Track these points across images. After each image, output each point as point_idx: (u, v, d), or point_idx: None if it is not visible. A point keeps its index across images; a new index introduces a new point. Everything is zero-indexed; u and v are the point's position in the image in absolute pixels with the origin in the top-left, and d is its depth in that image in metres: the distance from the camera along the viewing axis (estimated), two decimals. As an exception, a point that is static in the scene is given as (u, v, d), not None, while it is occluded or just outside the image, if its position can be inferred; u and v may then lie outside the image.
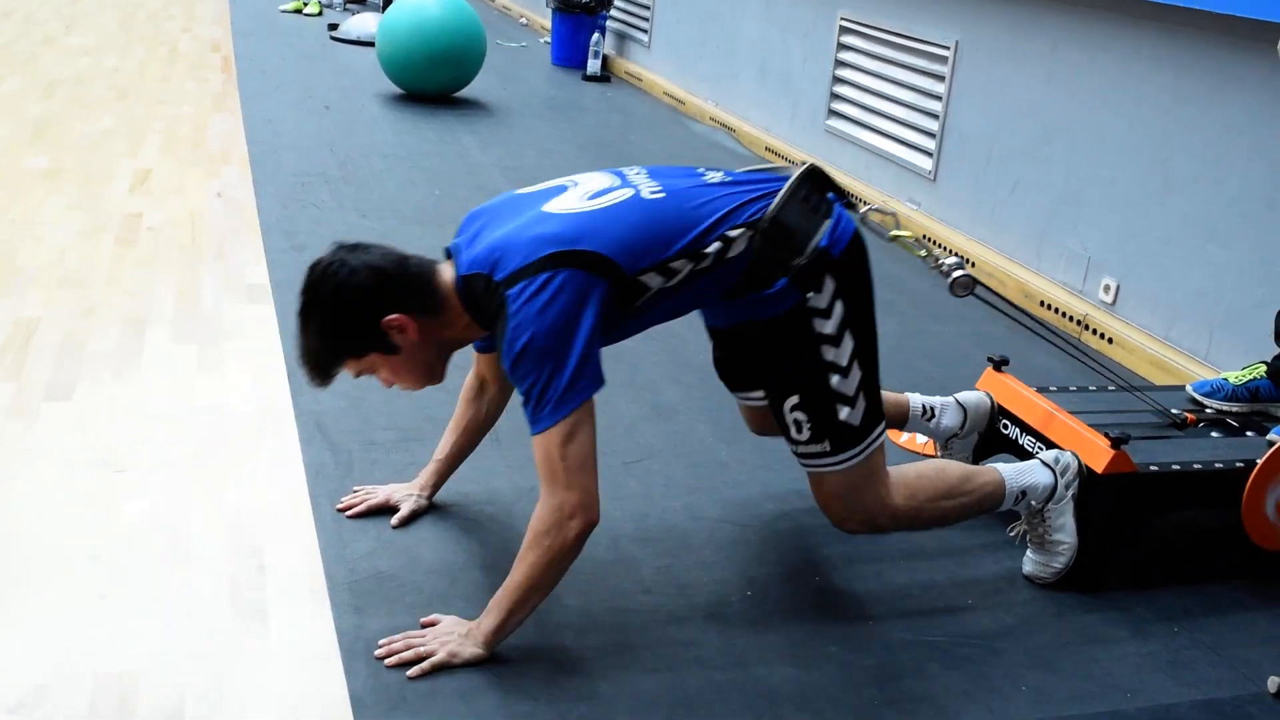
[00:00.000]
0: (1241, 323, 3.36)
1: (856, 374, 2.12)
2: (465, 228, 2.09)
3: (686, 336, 3.40)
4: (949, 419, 2.63)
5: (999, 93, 4.41)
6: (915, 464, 2.31)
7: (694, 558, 2.38)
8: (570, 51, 7.85)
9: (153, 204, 4.10)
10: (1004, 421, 2.63)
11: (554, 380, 1.89)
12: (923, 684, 2.06)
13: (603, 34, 7.69)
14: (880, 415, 2.18)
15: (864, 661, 2.10)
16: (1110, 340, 3.76)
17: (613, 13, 7.98)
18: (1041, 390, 2.66)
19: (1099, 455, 2.36)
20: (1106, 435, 2.37)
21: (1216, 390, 2.74)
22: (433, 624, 2.04)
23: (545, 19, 9.09)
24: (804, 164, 2.14)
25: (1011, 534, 2.47)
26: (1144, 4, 3.66)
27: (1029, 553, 2.42)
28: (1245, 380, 2.71)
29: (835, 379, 2.11)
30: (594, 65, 7.58)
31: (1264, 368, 2.73)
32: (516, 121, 6.12)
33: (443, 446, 2.44)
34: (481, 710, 1.88)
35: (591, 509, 1.94)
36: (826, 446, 2.15)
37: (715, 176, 2.12)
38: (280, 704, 1.84)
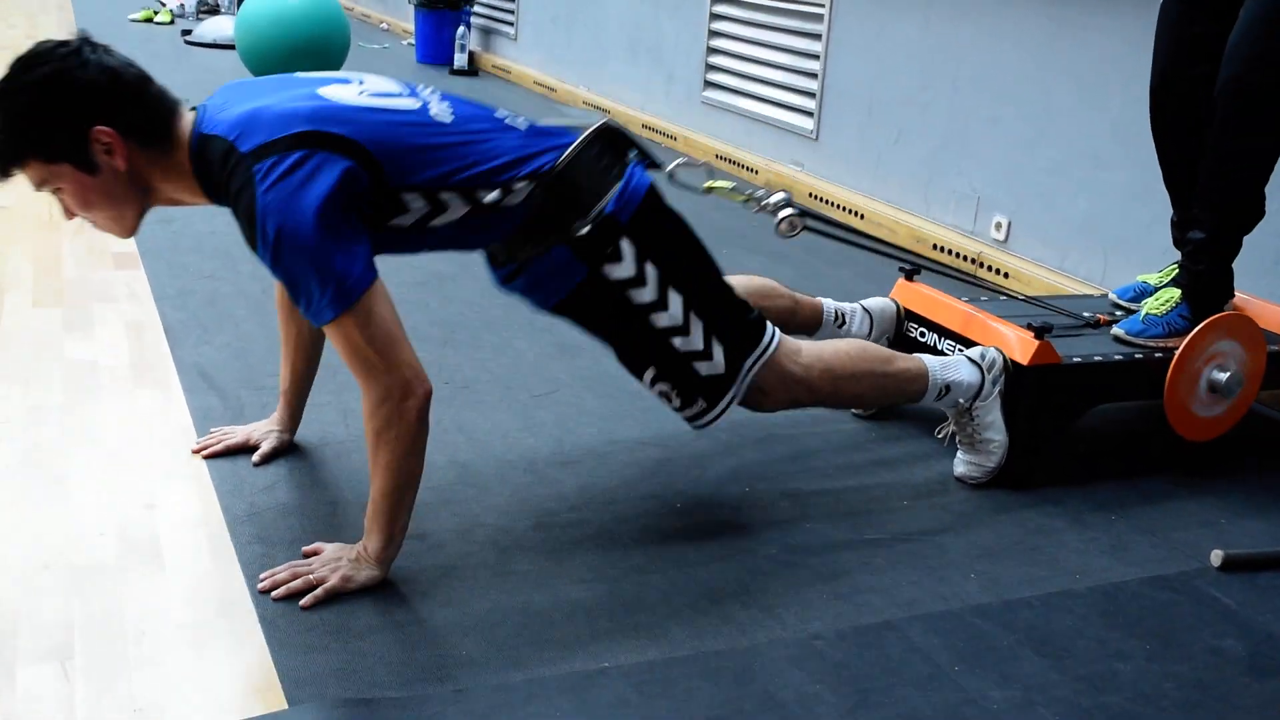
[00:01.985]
0: (1134, 243, 3.37)
1: (698, 325, 1.97)
2: (221, 92, 1.86)
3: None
4: (857, 326, 2.57)
5: (877, 44, 4.40)
6: (835, 341, 2.23)
7: (618, 477, 2.25)
8: (435, 48, 7.69)
9: (3, 187, 3.82)
10: (920, 329, 2.57)
11: (329, 267, 1.68)
12: (871, 577, 1.97)
13: (468, 28, 7.55)
14: (752, 337, 2.03)
15: (808, 561, 2.00)
16: (1006, 275, 3.75)
17: (476, 8, 7.85)
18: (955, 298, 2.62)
19: (1023, 347, 2.31)
20: (1029, 326, 2.33)
21: (1142, 293, 2.72)
22: (316, 553, 1.85)
23: (407, 22, 8.91)
24: (601, 120, 1.97)
25: (940, 436, 2.41)
26: (1019, -63, 3.68)
27: (960, 454, 2.35)
28: (1167, 280, 2.68)
29: (678, 341, 1.97)
30: (460, 59, 7.43)
31: (1178, 268, 2.71)
32: (386, 110, 5.93)
33: (283, 377, 2.23)
34: (403, 621, 1.73)
35: (420, 378, 1.74)
36: (703, 404, 2.03)
37: (513, 121, 1.94)
38: (182, 629, 1.67)
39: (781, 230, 2.11)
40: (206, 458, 2.16)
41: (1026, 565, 2.05)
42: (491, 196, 1.84)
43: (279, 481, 2.11)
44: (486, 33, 7.90)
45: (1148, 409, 2.75)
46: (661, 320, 1.95)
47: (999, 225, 3.85)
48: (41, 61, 1.72)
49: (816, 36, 4.70)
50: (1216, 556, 2.11)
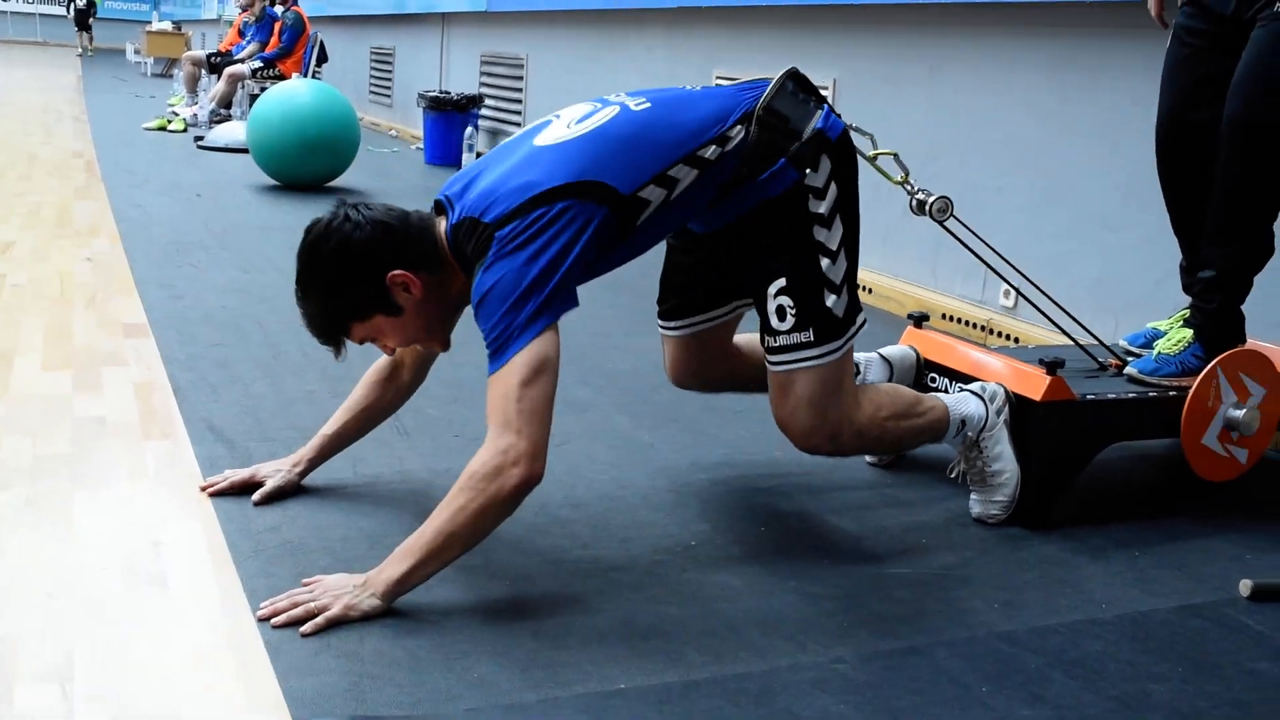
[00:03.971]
0: (1145, 303, 3.36)
1: (844, 262, 2.06)
2: (455, 181, 1.98)
3: (587, 352, 3.29)
4: (874, 374, 2.55)
5: (882, 120, 4.44)
6: (874, 383, 2.23)
7: (631, 517, 2.22)
8: (444, 150, 7.81)
9: (16, 267, 3.86)
10: (932, 375, 2.55)
11: (522, 308, 1.78)
12: (893, 608, 1.92)
13: (476, 129, 7.68)
14: (858, 312, 2.11)
15: (828, 592, 1.96)
16: (1016, 340, 3.74)
17: (483, 109, 8.00)
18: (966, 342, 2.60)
19: (1036, 383, 2.29)
20: (1040, 362, 2.31)
21: (1152, 338, 2.70)
22: (317, 582, 1.82)
23: (415, 129, 9.08)
24: (789, 66, 2.10)
25: (951, 474, 2.37)
26: (1017, 8, 3.75)
27: (973, 494, 2.32)
28: (1178, 323, 2.67)
29: (825, 262, 2.04)
30: (468, 159, 7.54)
31: (1190, 310, 2.69)
32: (398, 203, 5.98)
33: (332, 422, 2.24)
34: (413, 647, 1.68)
35: (538, 461, 1.78)
36: (810, 335, 2.05)
37: (705, 88, 2.08)
38: (186, 653, 1.62)
39: (935, 215, 2.25)
40: (212, 495, 2.15)
41: (1051, 596, 2.01)
42: (712, 151, 1.96)
43: (285, 522, 2.07)
44: (494, 133, 8.03)
45: (1165, 452, 2.72)
46: (820, 235, 2.03)
47: (1007, 293, 3.85)
48: (325, 239, 1.88)
49: (820, 118, 4.76)
50: (1245, 586, 2.06)
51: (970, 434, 2.26)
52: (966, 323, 3.93)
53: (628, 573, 1.98)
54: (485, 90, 8.17)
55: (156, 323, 3.30)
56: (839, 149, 2.05)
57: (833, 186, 2.03)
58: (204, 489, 2.17)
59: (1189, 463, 2.42)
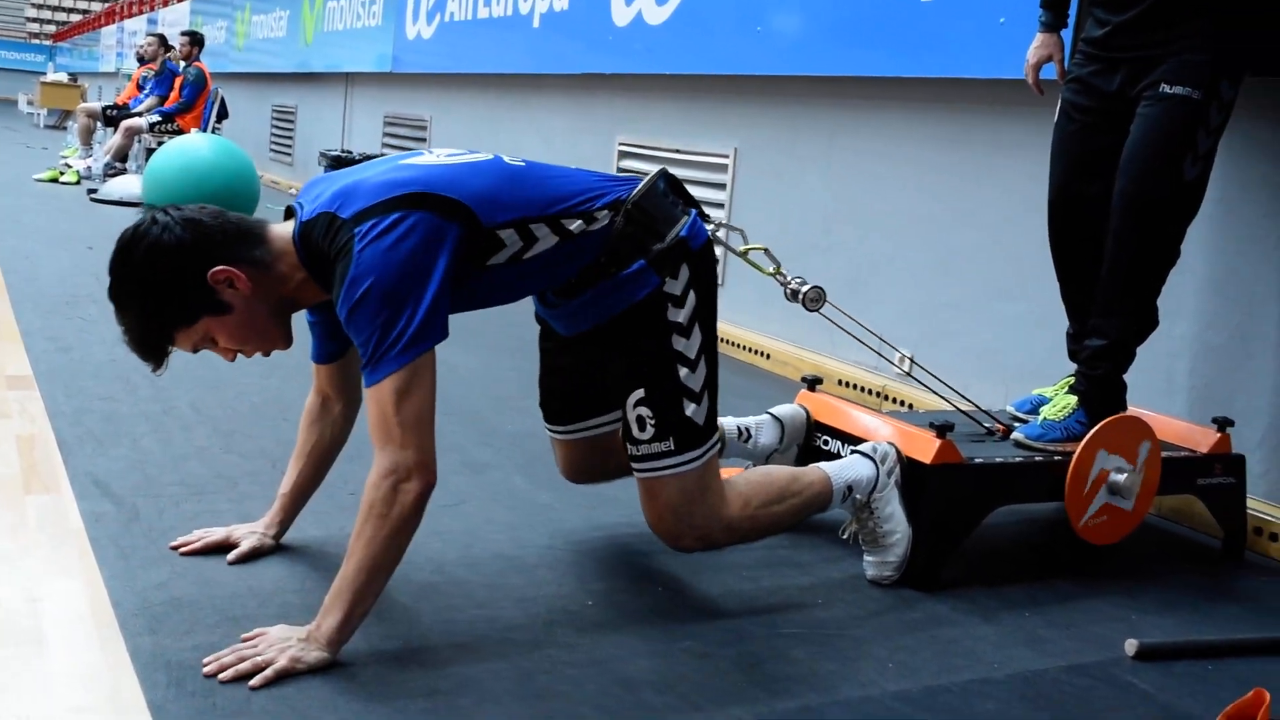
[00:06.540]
0: (1035, 371, 3.45)
1: (703, 370, 2.05)
2: (310, 188, 1.92)
3: (486, 414, 3.28)
4: (766, 436, 2.57)
5: (782, 190, 4.54)
6: (742, 473, 2.24)
7: (527, 577, 2.20)
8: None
9: (-107, 317, 3.74)
10: (824, 438, 2.59)
11: (397, 324, 1.74)
12: (788, 667, 1.93)
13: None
14: (716, 423, 2.11)
15: (724, 652, 1.96)
16: (911, 406, 3.81)
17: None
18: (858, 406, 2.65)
19: (926, 446, 2.33)
20: (930, 425, 2.35)
21: (1038, 405, 2.77)
22: (255, 638, 1.78)
23: (316, 187, 9.01)
24: (662, 167, 2.12)
25: (844, 535, 2.39)
26: (916, 84, 3.87)
27: (866, 555, 2.34)
28: (1063, 390, 2.74)
29: (684, 372, 2.03)
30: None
31: (1074, 378, 2.77)
32: (294, 261, 5.94)
33: (286, 479, 2.21)
34: (303, 708, 1.64)
35: (429, 469, 1.78)
36: (670, 444, 2.04)
37: (579, 169, 2.09)
38: (67, 713, 1.56)
39: (808, 305, 2.26)
40: (185, 554, 2.11)
41: (943, 656, 2.03)
42: (576, 225, 1.95)
43: (173, 579, 2.02)
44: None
45: (1052, 515, 2.79)
46: (679, 344, 2.03)
47: (902, 359, 3.93)
48: (134, 246, 1.81)
49: (721, 186, 4.84)
50: (1131, 646, 2.11)
51: (860, 496, 2.29)
52: (862, 389, 4.00)
53: (524, 632, 1.96)
54: (388, 150, 8.16)
55: (42, 375, 3.21)
56: (699, 258, 2.04)
57: (691, 295, 2.02)
58: (175, 548, 2.13)
59: (1073, 526, 2.47)
